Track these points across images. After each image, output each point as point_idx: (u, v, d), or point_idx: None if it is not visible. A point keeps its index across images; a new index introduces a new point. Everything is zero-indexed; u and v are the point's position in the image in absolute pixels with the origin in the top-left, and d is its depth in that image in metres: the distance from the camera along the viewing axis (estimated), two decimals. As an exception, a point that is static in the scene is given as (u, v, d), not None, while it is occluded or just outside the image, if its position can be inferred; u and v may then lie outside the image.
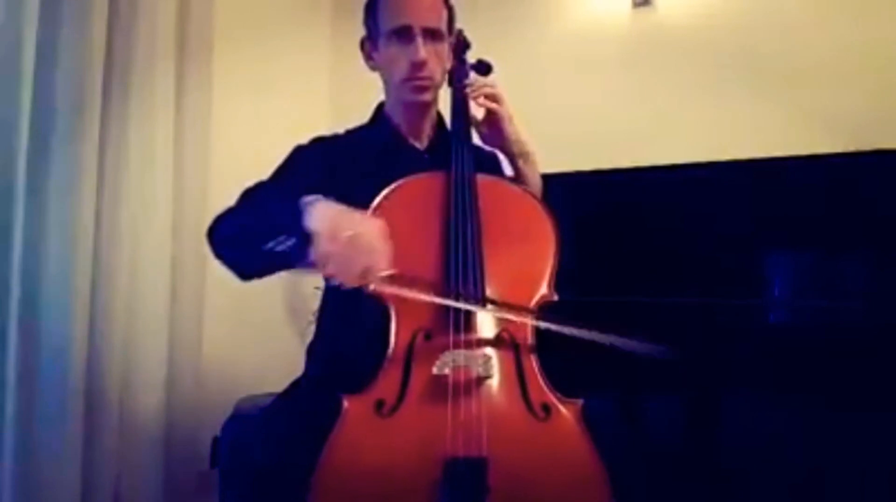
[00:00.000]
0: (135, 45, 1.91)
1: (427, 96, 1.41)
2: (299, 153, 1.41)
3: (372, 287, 1.06)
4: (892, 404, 1.48)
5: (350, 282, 1.03)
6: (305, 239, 1.03)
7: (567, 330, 1.12)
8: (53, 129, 1.73)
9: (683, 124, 2.17)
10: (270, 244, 1.05)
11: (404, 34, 1.35)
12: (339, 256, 1.01)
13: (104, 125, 1.85)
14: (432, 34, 1.37)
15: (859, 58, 1.98)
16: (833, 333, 1.56)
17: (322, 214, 1.04)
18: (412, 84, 1.38)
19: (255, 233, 1.13)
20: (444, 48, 1.40)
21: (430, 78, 1.38)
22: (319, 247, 1.01)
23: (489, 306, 1.15)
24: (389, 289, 1.09)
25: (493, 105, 1.41)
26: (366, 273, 1.03)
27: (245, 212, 1.26)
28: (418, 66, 1.36)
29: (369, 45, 1.44)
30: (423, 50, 1.35)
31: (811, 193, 1.73)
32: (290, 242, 1.04)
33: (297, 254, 1.03)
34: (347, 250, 1.01)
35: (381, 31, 1.39)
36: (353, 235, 1.01)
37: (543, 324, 1.15)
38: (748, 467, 1.60)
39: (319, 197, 1.09)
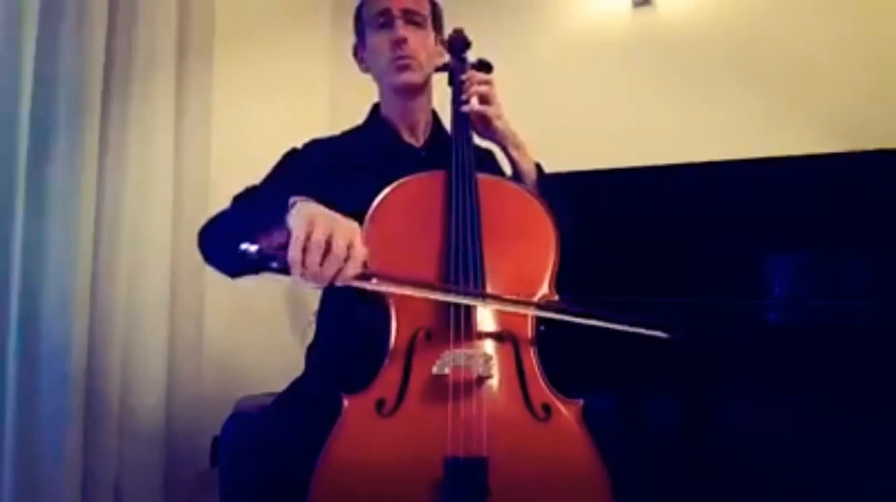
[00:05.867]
0: (135, 45, 1.91)
1: (411, 76, 1.41)
2: (292, 156, 1.43)
3: (369, 285, 1.06)
4: (893, 404, 1.48)
5: (317, 284, 1.02)
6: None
7: (567, 317, 1.12)
8: (53, 129, 1.73)
9: (683, 124, 2.17)
10: (242, 247, 1.03)
11: (385, 19, 1.40)
12: (309, 259, 0.99)
13: (104, 125, 1.85)
14: (413, 18, 1.41)
15: (860, 57, 1.98)
16: (833, 333, 1.56)
17: (300, 215, 1.03)
18: (395, 64, 1.40)
19: (240, 233, 1.13)
20: (428, 35, 1.44)
21: (411, 57, 1.40)
22: (292, 250, 1.00)
23: (489, 300, 1.15)
24: (387, 289, 1.09)
25: (482, 108, 1.40)
26: (335, 277, 1.01)
27: (232, 213, 1.29)
28: (398, 42, 1.39)
29: (359, 48, 1.49)
30: (402, 29, 1.39)
31: (811, 193, 1.73)
32: (255, 249, 1.02)
33: (267, 258, 1.02)
34: (318, 254, 0.99)
35: (367, 27, 1.44)
36: (328, 239, 1.00)
37: (546, 314, 1.15)
38: (748, 467, 1.60)
39: (306, 198, 1.08)
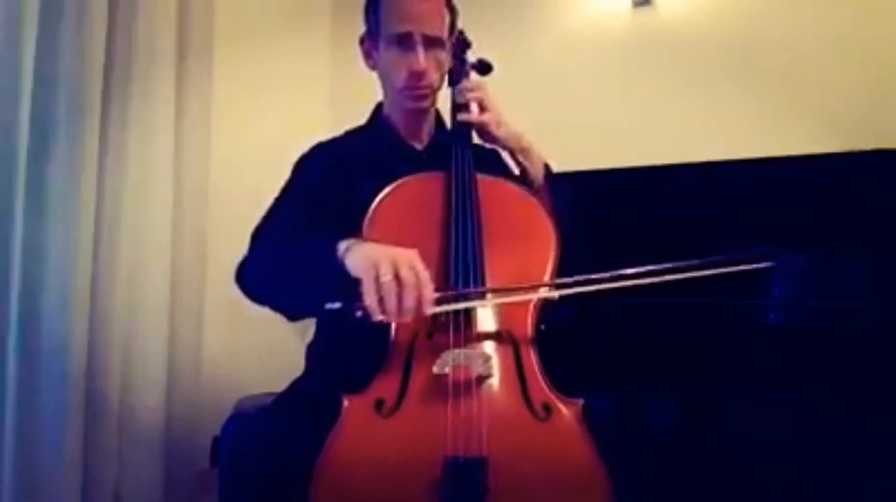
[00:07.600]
0: (135, 45, 1.92)
1: (425, 104, 1.42)
2: (301, 165, 1.42)
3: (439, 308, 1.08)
4: (893, 404, 1.48)
5: (406, 320, 1.04)
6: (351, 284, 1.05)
7: (578, 289, 1.14)
8: (53, 130, 1.73)
9: (683, 124, 2.17)
10: (328, 307, 1.06)
11: (405, 41, 1.35)
12: (388, 301, 1.02)
13: (104, 126, 1.85)
14: (433, 42, 1.36)
15: (859, 57, 1.98)
16: (833, 333, 1.55)
17: (360, 260, 1.06)
18: (411, 93, 1.38)
19: (298, 280, 1.16)
20: (445, 55, 1.40)
21: (428, 86, 1.38)
22: (367, 299, 1.02)
23: (490, 296, 1.16)
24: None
25: (476, 118, 1.39)
26: (418, 307, 1.04)
27: (276, 255, 1.26)
28: (418, 75, 1.35)
29: (369, 43, 1.43)
30: (423, 59, 1.34)
31: (810, 193, 1.73)
32: (338, 306, 1.05)
33: (352, 312, 1.05)
34: (394, 293, 1.02)
35: (382, 34, 1.38)
36: (396, 275, 1.02)
37: (553, 294, 1.17)
38: (748, 467, 1.60)
39: (351, 241, 1.11)
